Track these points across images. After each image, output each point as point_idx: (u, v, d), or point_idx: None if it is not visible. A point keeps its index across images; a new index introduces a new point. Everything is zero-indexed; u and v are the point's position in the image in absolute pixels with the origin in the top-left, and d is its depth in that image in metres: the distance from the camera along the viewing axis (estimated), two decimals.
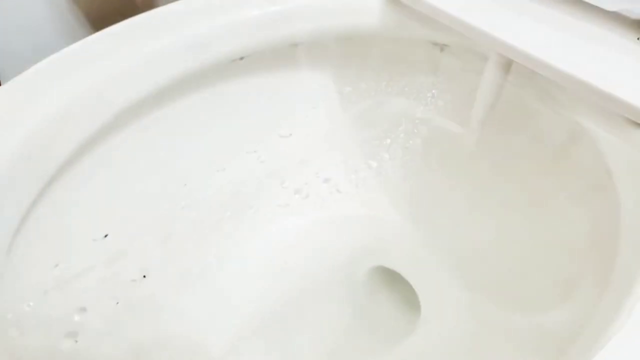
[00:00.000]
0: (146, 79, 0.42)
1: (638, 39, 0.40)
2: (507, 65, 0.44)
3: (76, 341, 0.37)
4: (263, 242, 0.50)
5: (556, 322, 0.39)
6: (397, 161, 0.49)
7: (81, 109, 0.38)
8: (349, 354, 0.48)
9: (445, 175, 0.49)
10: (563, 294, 0.40)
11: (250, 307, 0.48)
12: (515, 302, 0.45)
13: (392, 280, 0.52)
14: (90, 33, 0.42)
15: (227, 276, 0.49)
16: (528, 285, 0.44)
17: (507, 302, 0.45)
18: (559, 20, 0.42)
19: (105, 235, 0.41)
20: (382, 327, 0.50)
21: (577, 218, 0.42)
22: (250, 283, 0.49)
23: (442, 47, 0.48)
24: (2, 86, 0.38)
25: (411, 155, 0.48)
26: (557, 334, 0.38)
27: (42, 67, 0.39)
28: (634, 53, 0.39)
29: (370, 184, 0.52)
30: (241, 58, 0.46)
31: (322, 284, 0.50)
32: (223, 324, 0.47)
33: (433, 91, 0.46)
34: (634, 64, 0.38)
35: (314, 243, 0.51)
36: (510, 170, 0.47)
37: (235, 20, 0.44)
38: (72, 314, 0.38)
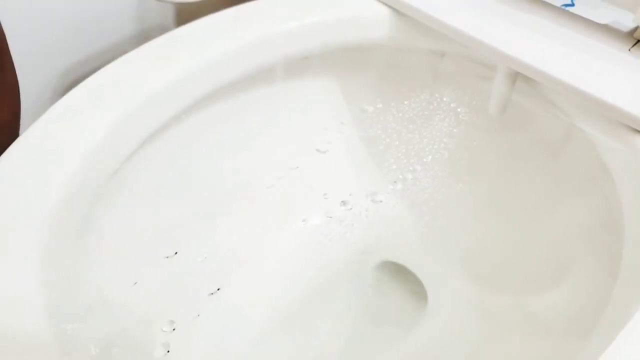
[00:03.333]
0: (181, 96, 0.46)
1: (629, 50, 0.45)
2: (514, 75, 0.49)
3: (168, 351, 0.42)
4: (304, 249, 0.56)
5: (561, 309, 0.44)
6: (429, 172, 0.54)
7: (130, 125, 0.42)
8: (361, 345, 0.52)
9: (455, 173, 0.54)
10: (566, 282, 0.44)
11: (274, 302, 0.53)
12: (519, 291, 0.49)
13: (399, 274, 0.56)
14: None
15: (265, 276, 0.54)
16: (532, 274, 0.48)
17: (511, 291, 0.50)
18: (557, 32, 0.47)
19: (176, 253, 0.46)
20: (392, 318, 0.55)
21: (576, 210, 0.47)
22: (276, 282, 0.54)
23: (442, 54, 0.53)
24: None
25: (440, 165, 0.54)
26: (563, 320, 0.43)
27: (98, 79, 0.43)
28: (625, 63, 0.45)
29: (406, 195, 0.58)
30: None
31: (337, 279, 0.55)
32: (257, 318, 0.52)
33: (447, 100, 0.52)
34: (625, 73, 0.44)
35: (336, 244, 0.57)
36: (514, 167, 0.52)
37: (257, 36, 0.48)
38: (162, 325, 0.43)
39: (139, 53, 0.46)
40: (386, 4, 0.51)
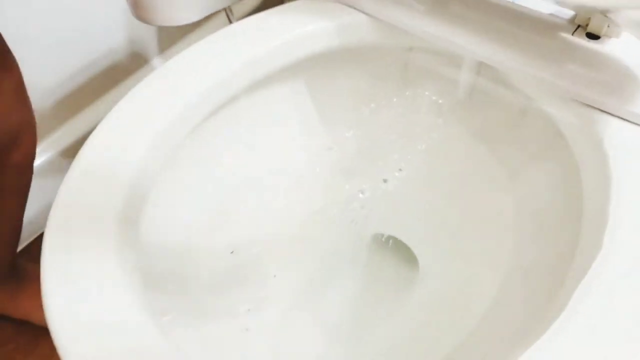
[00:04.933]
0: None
1: (572, 35, 0.54)
2: (478, 65, 0.58)
3: (247, 329, 0.52)
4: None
5: (537, 260, 0.51)
6: (415, 164, 0.64)
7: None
8: (370, 311, 0.61)
9: (437, 155, 0.63)
10: (541, 235, 0.52)
11: (289, 274, 0.62)
12: (499, 249, 0.57)
13: (394, 248, 0.66)
14: None
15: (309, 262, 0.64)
16: (512, 234, 0.56)
17: (492, 249, 0.58)
18: (509, 23, 0.56)
19: (232, 252, 0.56)
20: (390, 283, 0.64)
21: (540, 172, 0.56)
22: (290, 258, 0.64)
23: (410, 49, 0.61)
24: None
25: (433, 150, 0.63)
26: (540, 270, 0.50)
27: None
28: (570, 47, 0.54)
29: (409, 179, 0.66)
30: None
31: (340, 251, 0.65)
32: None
33: (428, 94, 0.60)
34: (570, 56, 0.53)
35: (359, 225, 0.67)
36: (484, 139, 0.61)
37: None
38: (240, 307, 0.53)
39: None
40: (363, 12, 0.59)
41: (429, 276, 0.61)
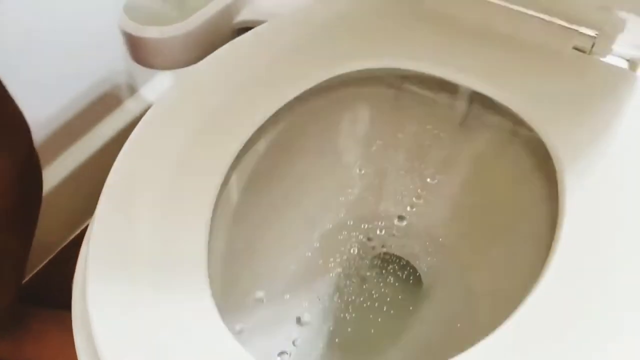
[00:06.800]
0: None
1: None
2: (472, 95, 0.61)
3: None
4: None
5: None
6: (434, 192, 0.68)
7: None
8: (375, 320, 0.65)
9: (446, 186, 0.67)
10: (535, 251, 0.53)
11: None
12: (496, 266, 0.60)
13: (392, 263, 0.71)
14: None
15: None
16: (510, 250, 0.59)
17: (490, 267, 0.61)
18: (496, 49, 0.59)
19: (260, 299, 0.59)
20: (395, 299, 0.67)
21: (531, 190, 0.58)
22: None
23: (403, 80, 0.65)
24: None
25: (442, 183, 0.67)
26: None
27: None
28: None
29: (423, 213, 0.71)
30: None
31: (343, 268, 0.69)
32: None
33: (430, 128, 0.65)
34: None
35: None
36: (479, 161, 0.65)
37: None
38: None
39: None
40: None
41: (431, 293, 0.66)
